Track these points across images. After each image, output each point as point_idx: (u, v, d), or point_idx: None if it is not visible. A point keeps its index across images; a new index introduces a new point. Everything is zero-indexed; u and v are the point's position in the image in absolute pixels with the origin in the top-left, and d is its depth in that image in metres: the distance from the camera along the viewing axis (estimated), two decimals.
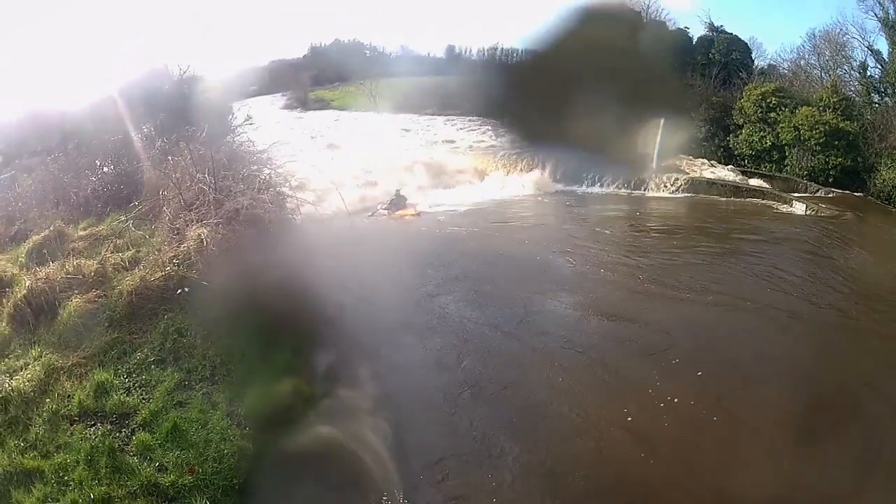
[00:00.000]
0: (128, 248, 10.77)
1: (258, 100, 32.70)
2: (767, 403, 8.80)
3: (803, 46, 25.65)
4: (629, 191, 21.41)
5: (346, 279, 11.31)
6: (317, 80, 32.46)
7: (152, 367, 8.12)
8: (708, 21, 26.81)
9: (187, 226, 10.23)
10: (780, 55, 27.25)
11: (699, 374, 9.42)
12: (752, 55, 26.93)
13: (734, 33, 26.47)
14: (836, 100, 21.40)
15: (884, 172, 20.03)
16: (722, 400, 8.87)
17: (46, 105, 19.49)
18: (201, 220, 10.17)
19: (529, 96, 17.99)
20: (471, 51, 31.52)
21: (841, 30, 23.93)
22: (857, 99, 22.45)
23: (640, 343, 10.40)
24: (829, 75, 23.87)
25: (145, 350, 8.38)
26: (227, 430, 7.01)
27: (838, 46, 24.04)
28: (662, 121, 20.39)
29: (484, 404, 8.82)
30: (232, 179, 11.26)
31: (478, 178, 22.78)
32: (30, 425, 7.48)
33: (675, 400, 8.80)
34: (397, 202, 19.66)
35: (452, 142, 27.24)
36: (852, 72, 23.78)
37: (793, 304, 12.11)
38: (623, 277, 13.13)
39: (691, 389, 9.04)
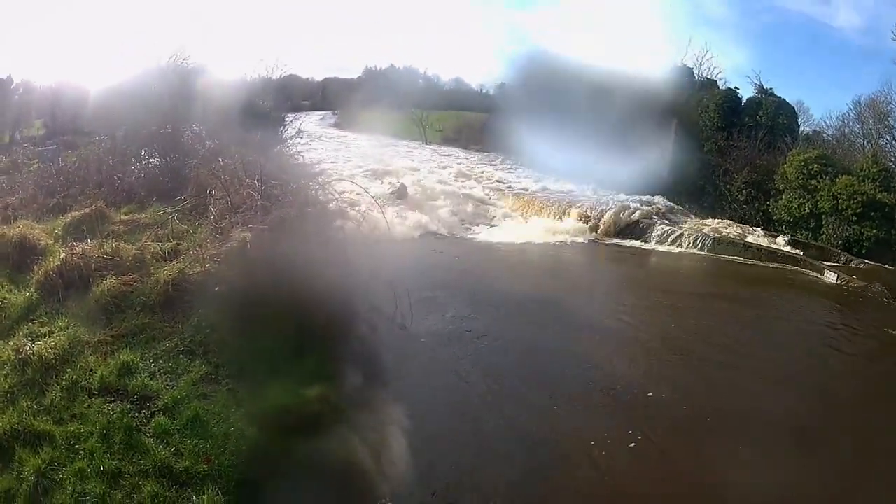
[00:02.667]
0: (169, 240, 11.84)
1: (309, 115, 34.94)
2: None
3: (849, 114, 27.52)
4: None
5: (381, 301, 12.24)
6: (368, 102, 34.44)
7: (180, 356, 8.85)
8: (758, 83, 28.39)
9: (232, 227, 11.30)
10: (825, 121, 29.28)
11: None
12: (799, 120, 28.54)
13: (782, 97, 27.92)
14: (875, 170, 22.57)
15: None
16: None
17: (100, 88, 21.45)
18: (247, 224, 11.22)
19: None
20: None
21: (886, 98, 25.68)
22: None
23: None
24: (872, 144, 25.25)
25: (175, 339, 9.14)
26: (249, 426, 7.65)
27: (881, 115, 25.57)
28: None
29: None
30: (281, 190, 12.41)
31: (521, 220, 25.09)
32: (46, 391, 8.08)
33: None
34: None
35: (501, 182, 29.01)
36: (893, 142, 25.31)
37: None
38: None
39: None
